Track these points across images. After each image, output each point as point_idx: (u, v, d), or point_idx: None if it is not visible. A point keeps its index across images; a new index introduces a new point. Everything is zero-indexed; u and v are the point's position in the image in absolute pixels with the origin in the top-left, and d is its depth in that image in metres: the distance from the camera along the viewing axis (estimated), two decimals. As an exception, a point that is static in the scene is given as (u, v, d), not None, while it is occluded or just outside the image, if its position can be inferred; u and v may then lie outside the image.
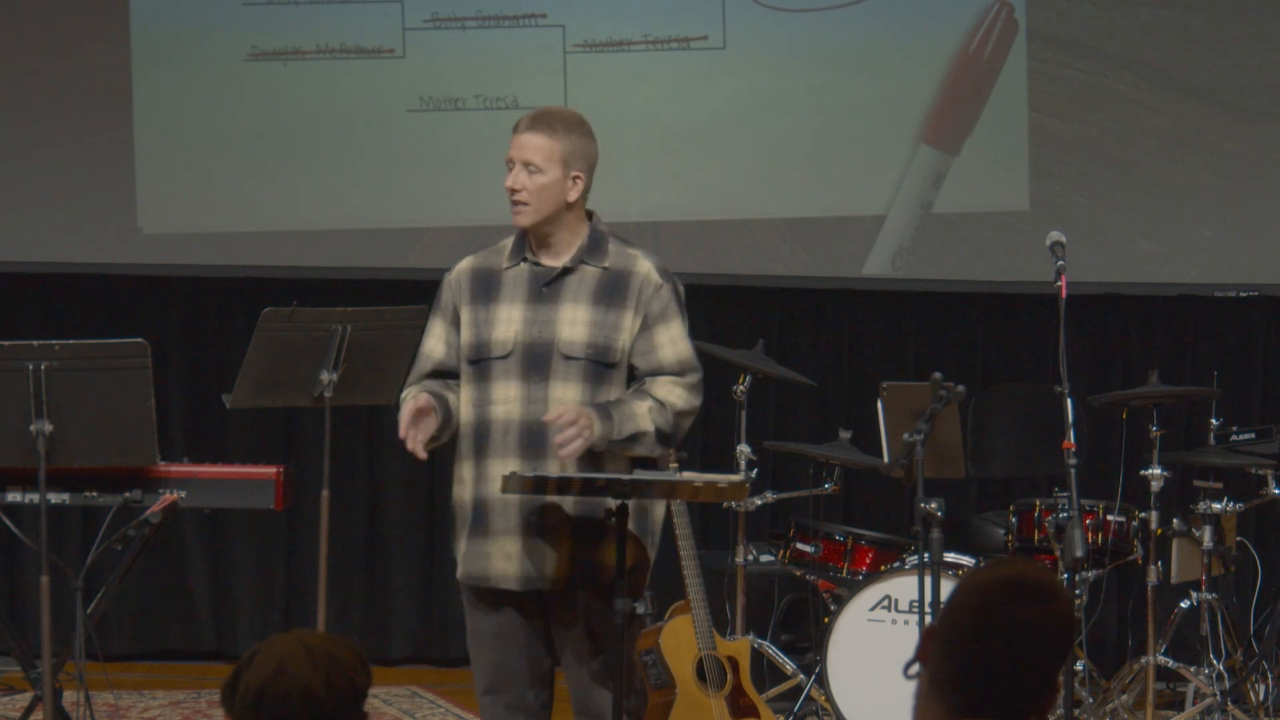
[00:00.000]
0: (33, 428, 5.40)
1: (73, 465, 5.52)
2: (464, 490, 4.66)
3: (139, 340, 5.57)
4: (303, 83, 7.89)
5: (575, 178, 4.62)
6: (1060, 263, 5.77)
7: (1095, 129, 7.93)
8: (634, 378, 4.62)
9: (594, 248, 4.64)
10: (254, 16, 7.86)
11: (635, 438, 4.53)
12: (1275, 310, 8.05)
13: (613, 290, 4.60)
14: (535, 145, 4.61)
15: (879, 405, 6.58)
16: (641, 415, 4.53)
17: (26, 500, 5.65)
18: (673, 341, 4.61)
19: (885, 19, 7.87)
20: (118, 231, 7.92)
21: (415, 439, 4.52)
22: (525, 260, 4.65)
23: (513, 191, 4.60)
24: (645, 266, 4.64)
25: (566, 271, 4.63)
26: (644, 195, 7.82)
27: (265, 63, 7.88)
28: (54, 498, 5.58)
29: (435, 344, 4.72)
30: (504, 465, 4.55)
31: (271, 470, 5.81)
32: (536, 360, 4.57)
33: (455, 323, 4.68)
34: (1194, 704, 6.70)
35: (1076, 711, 6.32)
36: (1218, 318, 8.05)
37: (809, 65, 7.91)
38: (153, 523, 5.62)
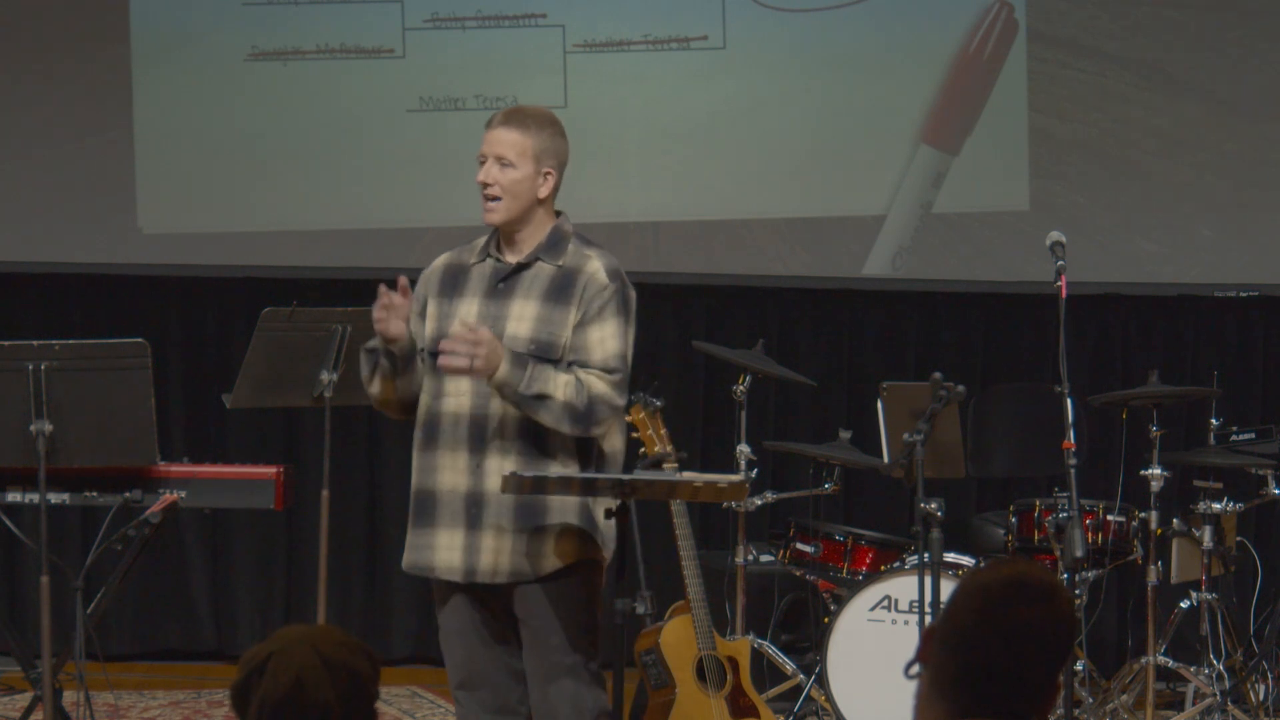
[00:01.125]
0: (33, 428, 5.40)
1: (73, 465, 5.53)
2: (414, 479, 4.69)
3: (139, 340, 5.57)
4: (303, 83, 7.89)
5: (546, 174, 4.65)
6: (1060, 263, 5.77)
7: (1095, 129, 7.92)
8: None
9: (552, 246, 4.66)
10: (254, 16, 7.86)
11: (541, 398, 4.50)
12: (1275, 310, 8.05)
13: (562, 288, 4.62)
14: (508, 140, 4.63)
15: (879, 405, 6.58)
16: (556, 383, 4.51)
17: (26, 500, 5.65)
18: (602, 341, 4.60)
19: (885, 19, 7.87)
20: (118, 231, 7.92)
21: (387, 319, 4.52)
22: (490, 256, 4.68)
23: (485, 186, 4.63)
24: (594, 266, 4.64)
25: (522, 268, 4.65)
26: (644, 195, 7.82)
27: (265, 63, 7.88)
28: (54, 498, 5.58)
29: None
30: (453, 457, 4.60)
31: (271, 470, 5.81)
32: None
33: (422, 314, 4.72)
34: (1194, 704, 6.69)
35: (1076, 711, 6.32)
36: (1218, 318, 8.05)
37: (809, 65, 7.91)
38: (153, 523, 5.62)
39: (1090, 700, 6.56)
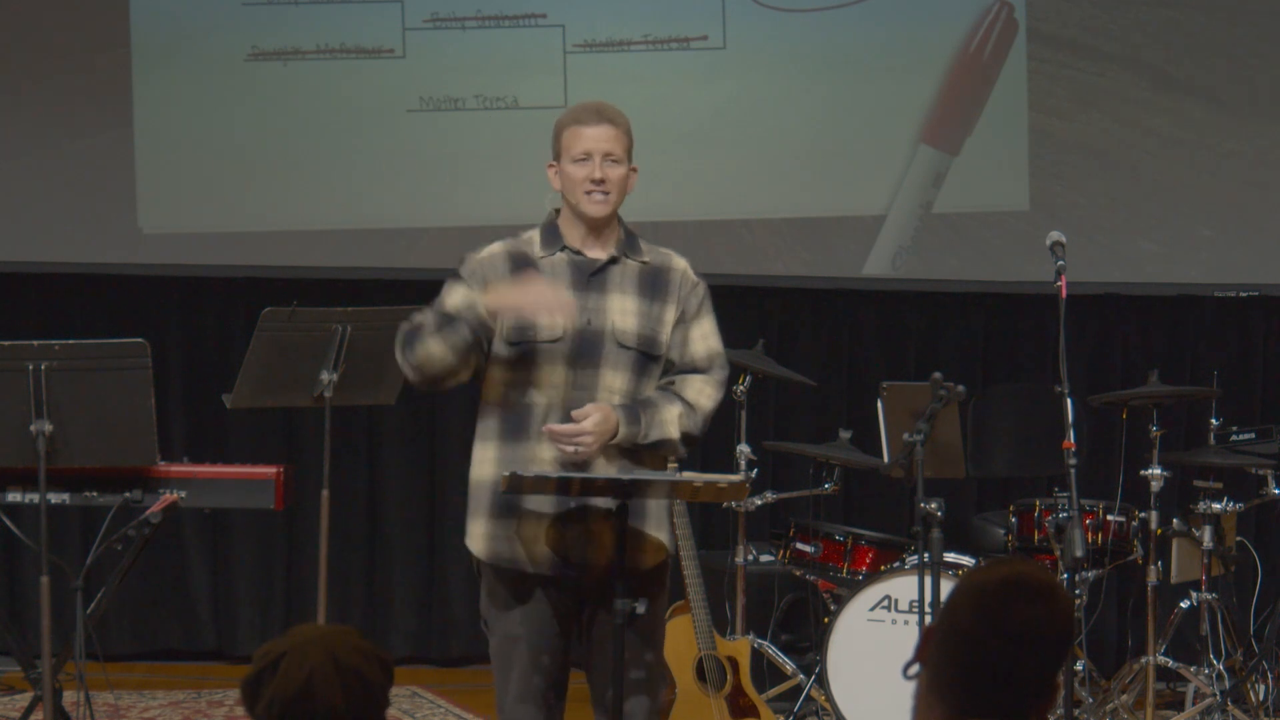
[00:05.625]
0: (33, 428, 5.40)
1: (73, 465, 5.52)
2: (490, 470, 4.59)
3: (139, 340, 5.57)
4: (303, 83, 7.89)
5: (634, 169, 4.73)
6: (1060, 263, 5.76)
7: (1095, 129, 7.92)
8: (667, 370, 4.67)
9: (631, 243, 4.72)
10: (254, 16, 7.86)
11: (661, 444, 4.60)
12: (1275, 310, 8.05)
13: (655, 284, 4.67)
14: (613, 137, 4.69)
15: (879, 405, 6.58)
16: (669, 422, 4.59)
17: (26, 500, 5.64)
18: (704, 337, 4.69)
19: (885, 19, 7.87)
20: (118, 231, 7.91)
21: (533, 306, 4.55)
22: (565, 249, 4.66)
23: (599, 183, 4.63)
24: (682, 264, 4.74)
25: (612, 261, 4.66)
26: (644, 195, 7.69)
27: (265, 63, 7.88)
28: (54, 498, 5.58)
29: (454, 299, 4.61)
30: (544, 449, 4.54)
31: (271, 470, 5.80)
32: (587, 347, 4.58)
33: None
34: (1194, 704, 6.70)
35: (1076, 711, 6.32)
36: (1218, 318, 8.05)
37: (809, 65, 7.91)
38: (153, 523, 5.62)
39: (1090, 700, 6.56)
